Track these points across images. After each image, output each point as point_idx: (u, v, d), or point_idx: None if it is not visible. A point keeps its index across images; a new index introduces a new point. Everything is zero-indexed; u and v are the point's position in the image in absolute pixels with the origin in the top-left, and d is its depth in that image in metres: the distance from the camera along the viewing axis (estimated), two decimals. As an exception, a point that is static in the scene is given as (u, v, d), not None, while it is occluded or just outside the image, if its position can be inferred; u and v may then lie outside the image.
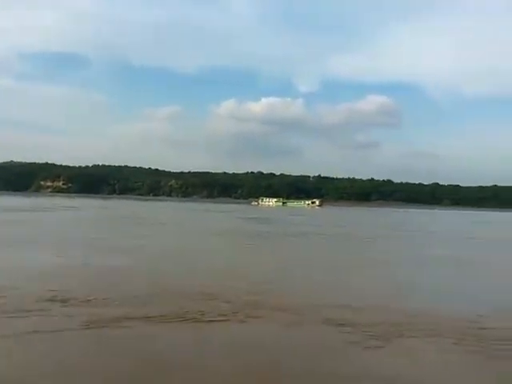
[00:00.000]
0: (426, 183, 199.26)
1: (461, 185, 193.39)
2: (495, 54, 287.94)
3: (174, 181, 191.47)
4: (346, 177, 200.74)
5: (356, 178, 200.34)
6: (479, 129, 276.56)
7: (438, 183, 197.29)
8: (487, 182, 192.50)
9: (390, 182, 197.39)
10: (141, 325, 8.19)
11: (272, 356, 7.06)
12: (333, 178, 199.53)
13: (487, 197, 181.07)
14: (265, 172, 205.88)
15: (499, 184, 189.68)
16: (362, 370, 6.66)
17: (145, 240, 23.03)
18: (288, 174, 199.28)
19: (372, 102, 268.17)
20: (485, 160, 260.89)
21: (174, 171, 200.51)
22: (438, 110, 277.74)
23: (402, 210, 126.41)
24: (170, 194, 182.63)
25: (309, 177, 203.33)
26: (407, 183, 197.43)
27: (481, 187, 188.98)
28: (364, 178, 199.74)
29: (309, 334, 8.35)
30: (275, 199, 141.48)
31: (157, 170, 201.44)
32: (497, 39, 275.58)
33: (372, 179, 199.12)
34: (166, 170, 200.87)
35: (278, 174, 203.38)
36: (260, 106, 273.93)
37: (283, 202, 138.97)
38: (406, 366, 6.90)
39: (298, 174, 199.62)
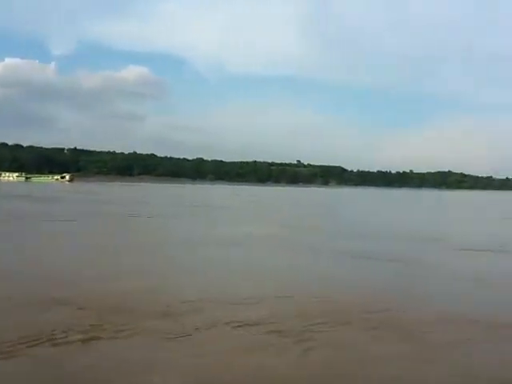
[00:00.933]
0: (190, 158, 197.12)
1: (224, 160, 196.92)
2: (258, 35, 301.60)
3: None
4: (106, 150, 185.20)
5: (117, 151, 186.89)
6: (242, 106, 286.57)
7: (202, 158, 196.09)
8: (248, 158, 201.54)
9: (153, 155, 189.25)
10: None
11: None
12: (91, 151, 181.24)
13: (248, 172, 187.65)
14: (10, 143, 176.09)
15: (258, 160, 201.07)
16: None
17: None
18: (38, 145, 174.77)
19: (137, 72, 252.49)
20: (246, 136, 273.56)
21: None
22: (204, 85, 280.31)
23: (171, 185, 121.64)
24: None
25: (63, 149, 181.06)
26: (171, 157, 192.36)
27: (242, 163, 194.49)
28: (126, 152, 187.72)
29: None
30: (16, 174, 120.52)
31: None
32: (259, 20, 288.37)
33: (134, 153, 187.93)
34: None
35: (26, 145, 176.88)
36: (2, 67, 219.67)
37: (26, 177, 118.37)
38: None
39: (51, 146, 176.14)
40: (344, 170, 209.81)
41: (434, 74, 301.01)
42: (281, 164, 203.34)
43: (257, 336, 6.48)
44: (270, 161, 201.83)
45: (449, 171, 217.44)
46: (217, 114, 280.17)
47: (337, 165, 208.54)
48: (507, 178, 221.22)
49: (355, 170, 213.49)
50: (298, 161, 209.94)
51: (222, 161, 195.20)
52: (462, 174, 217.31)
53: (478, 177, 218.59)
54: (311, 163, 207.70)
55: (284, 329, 6.73)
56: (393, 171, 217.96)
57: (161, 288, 9.21)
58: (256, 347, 6.09)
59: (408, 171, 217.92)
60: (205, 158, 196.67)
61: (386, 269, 12.28)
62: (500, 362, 6.00)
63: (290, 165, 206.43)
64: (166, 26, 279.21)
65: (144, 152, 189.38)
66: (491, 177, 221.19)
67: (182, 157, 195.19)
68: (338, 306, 8.06)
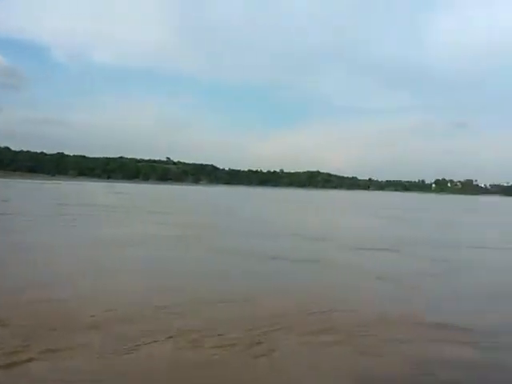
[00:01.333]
0: (50, 152, 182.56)
1: (87, 155, 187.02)
2: (125, 27, 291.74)
3: None
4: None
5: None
6: (108, 99, 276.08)
7: (63, 153, 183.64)
8: (114, 154, 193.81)
9: (7, 149, 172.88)
10: None
11: None
12: None
13: (114, 169, 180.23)
14: None
15: (125, 156, 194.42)
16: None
17: None
18: None
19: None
20: (112, 131, 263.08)
21: None
22: (68, 77, 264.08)
23: (24, 181, 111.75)
24: None
25: None
26: (28, 152, 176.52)
27: (107, 158, 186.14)
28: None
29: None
30: None
31: None
32: (126, 12, 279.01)
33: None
34: None
35: None
36: None
37: None
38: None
39: None
40: (215, 169, 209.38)
41: (308, 76, 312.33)
42: (149, 161, 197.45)
43: (208, 350, 6.02)
44: (138, 157, 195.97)
45: (317, 171, 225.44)
46: (81, 108, 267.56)
47: (208, 163, 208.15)
48: (370, 179, 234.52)
49: (226, 169, 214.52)
50: (168, 158, 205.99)
51: (84, 156, 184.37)
52: (328, 174, 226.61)
53: (343, 177, 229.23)
54: (181, 161, 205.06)
55: (233, 342, 6.33)
56: (264, 170, 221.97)
57: (83, 297, 8.32)
58: (212, 363, 5.67)
59: (278, 170, 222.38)
60: (66, 153, 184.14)
61: (305, 270, 12.18)
62: (436, 358, 6.21)
63: (159, 162, 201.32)
64: (24, 12, 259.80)
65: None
66: (356, 177, 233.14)
67: (40, 151, 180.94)
68: (277, 311, 7.81)
